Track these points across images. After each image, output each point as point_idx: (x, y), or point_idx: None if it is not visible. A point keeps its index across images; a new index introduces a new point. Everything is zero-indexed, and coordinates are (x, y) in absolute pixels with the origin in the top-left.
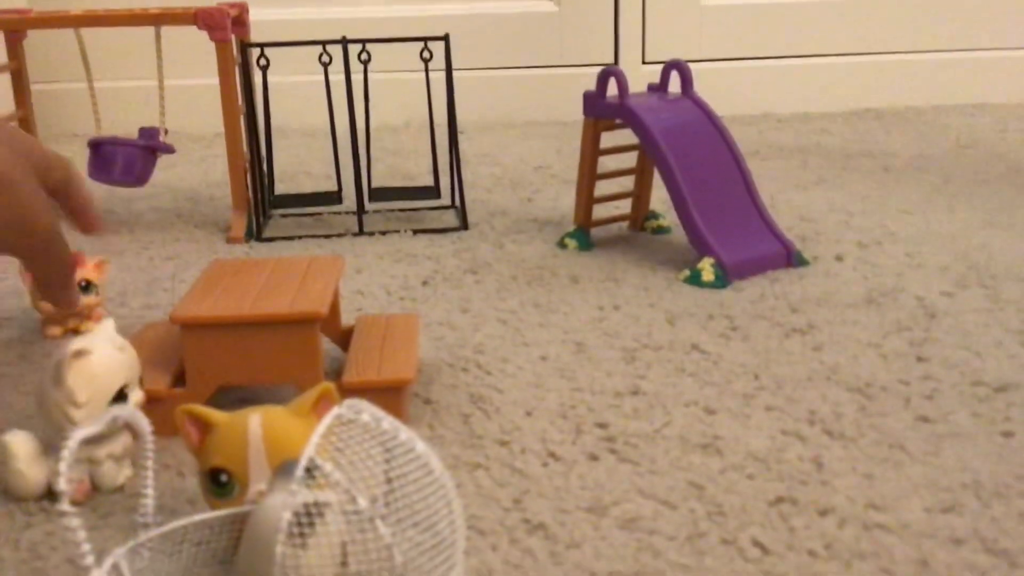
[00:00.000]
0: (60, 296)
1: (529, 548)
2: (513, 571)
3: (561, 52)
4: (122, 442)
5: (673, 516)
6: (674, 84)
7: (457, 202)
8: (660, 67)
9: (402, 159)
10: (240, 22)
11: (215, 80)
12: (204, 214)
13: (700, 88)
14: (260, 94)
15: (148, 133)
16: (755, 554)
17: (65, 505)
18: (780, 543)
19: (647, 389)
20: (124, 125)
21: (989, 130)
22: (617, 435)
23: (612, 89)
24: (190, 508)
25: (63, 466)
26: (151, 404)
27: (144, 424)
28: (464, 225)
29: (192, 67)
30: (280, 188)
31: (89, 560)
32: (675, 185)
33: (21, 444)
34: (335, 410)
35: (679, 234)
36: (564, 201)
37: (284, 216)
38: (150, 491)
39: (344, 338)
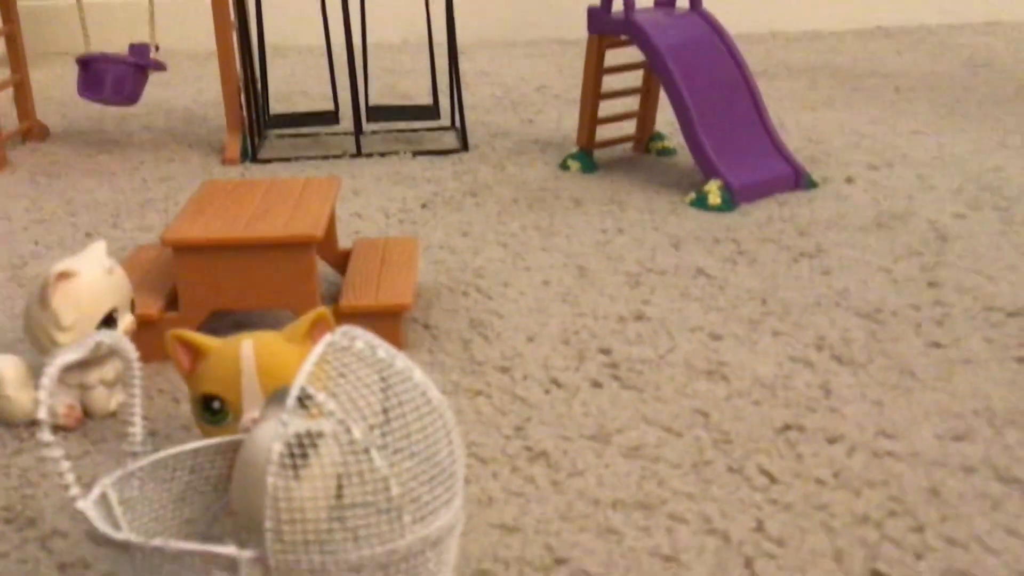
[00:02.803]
0: None
1: (531, 476)
2: (514, 499)
3: None
4: (113, 367)
5: (678, 444)
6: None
7: (457, 123)
8: None
9: (400, 78)
10: None
11: None
12: (198, 134)
13: (708, 4)
14: (253, 10)
15: (138, 50)
16: (762, 482)
17: (46, 435)
18: (787, 471)
19: (651, 314)
20: (114, 42)
21: (1002, 49)
22: (621, 361)
23: (618, 4)
24: (184, 434)
25: (43, 393)
26: (143, 328)
27: (130, 349)
28: (464, 146)
29: None
30: (276, 108)
31: (74, 491)
32: (682, 105)
33: (9, 368)
34: (328, 337)
35: (685, 156)
36: (567, 122)
37: (280, 136)
38: (138, 419)
39: (341, 262)
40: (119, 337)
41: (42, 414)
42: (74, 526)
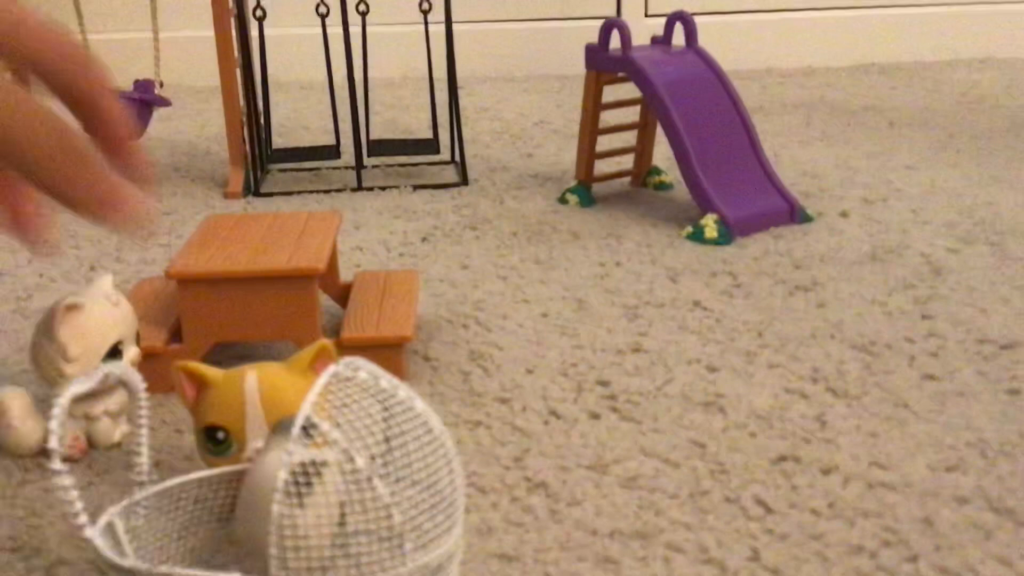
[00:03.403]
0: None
1: (530, 506)
2: (514, 529)
3: (563, 4)
4: (118, 399)
5: (675, 474)
6: (678, 37)
7: (457, 157)
8: (664, 19)
9: (401, 113)
10: None
11: (211, 32)
12: (201, 168)
13: (703, 41)
14: (256, 46)
15: (143, 86)
16: (758, 512)
17: (57, 464)
18: (783, 501)
19: (649, 346)
20: (119, 77)
21: (995, 85)
22: (619, 393)
23: (615, 42)
24: (188, 465)
25: (54, 424)
26: (147, 360)
27: (137, 381)
28: (464, 180)
29: (187, 18)
30: (278, 142)
31: (82, 519)
32: (678, 140)
33: (15, 400)
34: (332, 368)
35: (682, 190)
36: (565, 156)
37: (282, 171)
38: (144, 449)
39: (342, 294)
40: (127, 368)
41: (54, 443)
42: (79, 555)
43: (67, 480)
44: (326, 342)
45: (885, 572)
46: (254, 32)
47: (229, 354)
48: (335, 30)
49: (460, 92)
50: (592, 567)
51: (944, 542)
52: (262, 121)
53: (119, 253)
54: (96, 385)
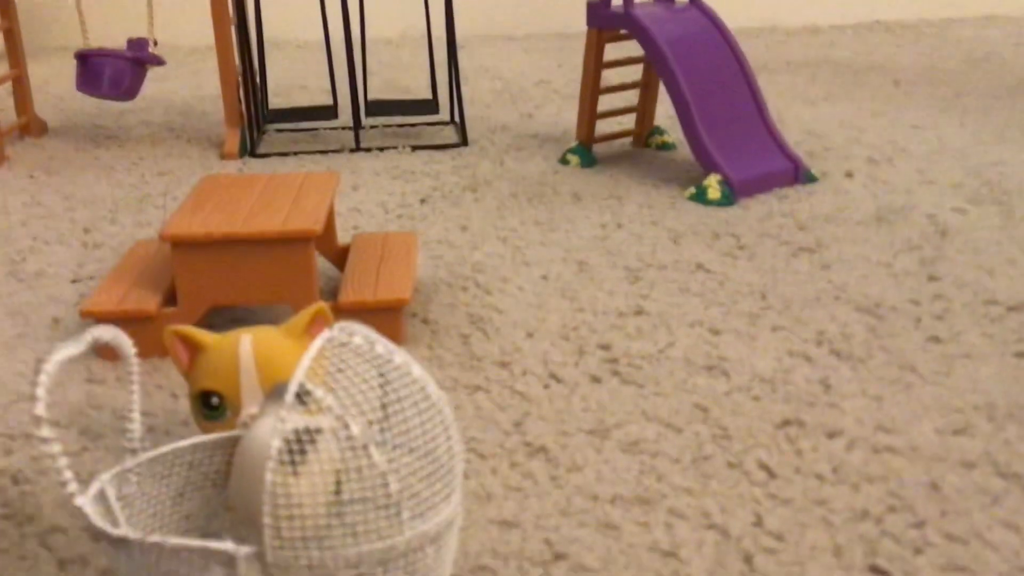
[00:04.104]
0: None
1: (530, 471)
2: (513, 494)
3: None
4: None
5: (677, 439)
6: None
7: (456, 117)
8: None
9: (399, 72)
10: None
11: None
12: (197, 129)
13: None
14: (252, 4)
15: (137, 45)
16: (761, 477)
17: (45, 431)
18: (787, 466)
19: (651, 309)
20: (112, 37)
21: (1002, 43)
22: (620, 356)
23: None
24: (184, 430)
25: (41, 390)
26: (141, 324)
27: (127, 345)
28: (463, 141)
29: None
30: (274, 102)
31: (72, 487)
32: (681, 100)
33: None
34: (326, 333)
35: (684, 150)
36: (566, 116)
37: (279, 131)
38: (136, 415)
39: (340, 257)
40: (116, 333)
41: (40, 410)
42: (73, 522)
43: (55, 447)
44: (322, 305)
45: (891, 538)
46: None
47: (225, 318)
48: None
49: (459, 51)
50: (593, 533)
51: (951, 507)
52: (258, 81)
53: (113, 215)
54: (84, 349)
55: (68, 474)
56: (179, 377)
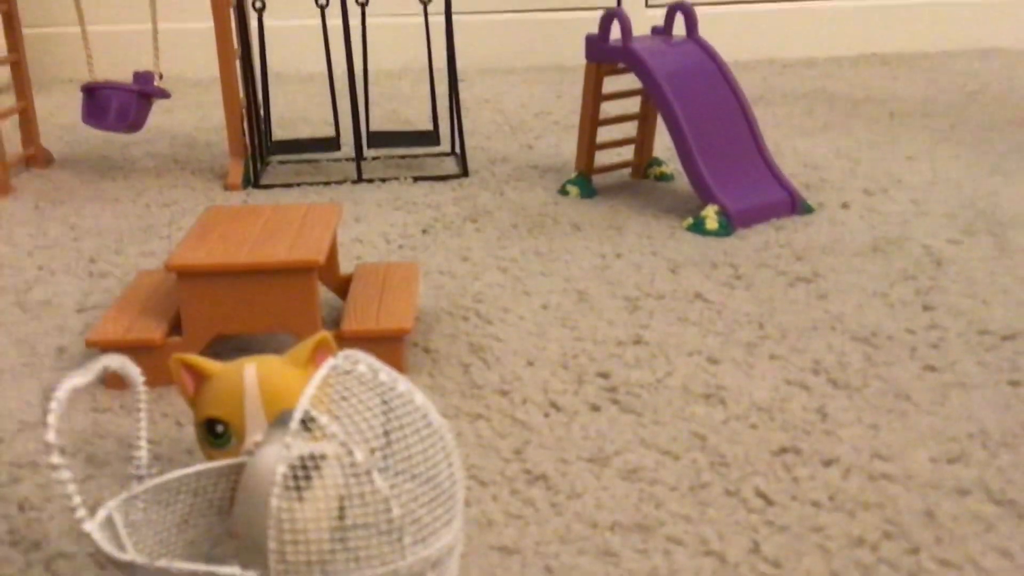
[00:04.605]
0: None
1: (530, 498)
2: (514, 521)
3: None
4: None
5: (675, 466)
6: (679, 27)
7: (457, 149)
8: (664, 9)
9: (401, 105)
10: None
11: (210, 23)
12: (201, 160)
13: (704, 31)
14: (256, 38)
15: (143, 78)
16: (758, 504)
17: (55, 457)
18: (783, 493)
19: (649, 338)
20: (118, 70)
21: (997, 76)
22: (619, 385)
23: (615, 32)
24: (188, 457)
25: (52, 417)
26: (147, 353)
27: (135, 374)
28: (464, 172)
29: (187, 10)
30: (278, 134)
31: (81, 513)
32: (679, 131)
33: None
34: (331, 361)
35: (682, 181)
36: (566, 148)
37: (282, 163)
38: (143, 443)
39: (342, 287)
40: (125, 361)
41: (51, 437)
42: (79, 549)
43: (66, 474)
44: (326, 334)
45: (886, 564)
46: (253, 24)
47: (229, 346)
48: (335, 22)
49: (460, 84)
50: (592, 560)
51: (945, 534)
52: (262, 113)
53: (119, 245)
54: (93, 378)
55: (77, 500)
56: (183, 405)
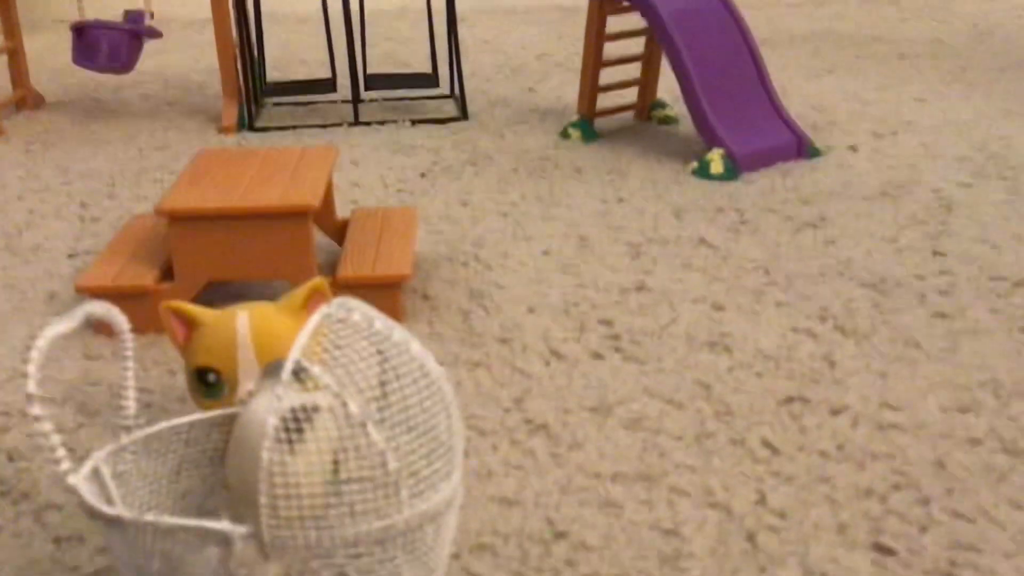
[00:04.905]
0: None
1: (530, 449)
2: (514, 472)
3: None
4: None
5: (680, 416)
6: None
7: (456, 91)
8: None
9: (398, 46)
10: None
11: None
12: (194, 103)
13: None
14: None
15: (134, 17)
16: (764, 454)
17: (36, 408)
18: (790, 443)
19: (653, 285)
20: (109, 9)
21: (1008, 16)
22: (622, 332)
23: None
24: (181, 406)
25: (32, 367)
26: (138, 299)
27: (121, 321)
28: (463, 115)
29: None
30: (273, 76)
31: (65, 465)
32: (684, 72)
33: None
34: (323, 309)
35: (687, 124)
36: (567, 90)
37: (277, 105)
38: (130, 392)
39: (339, 232)
40: (109, 308)
41: (31, 388)
42: (68, 499)
43: (47, 425)
44: (320, 281)
45: (896, 515)
46: None
47: (223, 293)
48: None
49: (460, 24)
50: (595, 511)
51: (956, 485)
52: (256, 54)
53: (111, 189)
54: (76, 325)
55: (61, 452)
56: (176, 353)
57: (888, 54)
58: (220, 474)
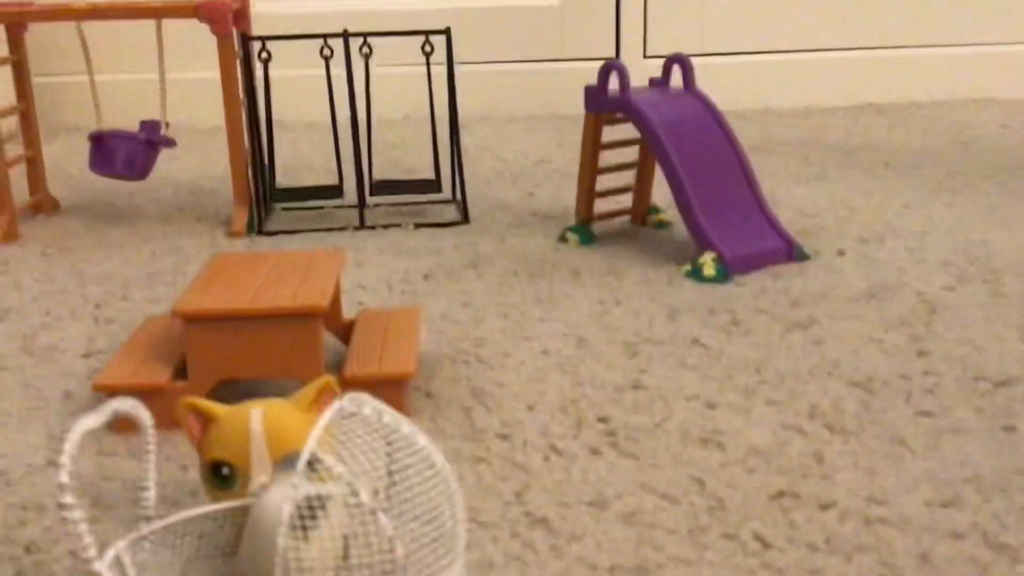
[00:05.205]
0: None
1: (530, 541)
2: (514, 564)
3: (563, 46)
4: None
5: (674, 510)
6: (676, 78)
7: (458, 196)
8: (662, 61)
9: (403, 152)
10: (242, 15)
11: (216, 73)
12: (206, 207)
13: (701, 82)
14: (261, 87)
15: (149, 126)
16: (756, 548)
17: (67, 497)
18: (781, 537)
19: (648, 383)
20: (125, 118)
21: (991, 125)
22: (618, 429)
23: (614, 83)
24: (192, 500)
25: (65, 457)
26: (153, 397)
27: (145, 416)
28: (465, 219)
29: (193, 60)
30: (282, 182)
31: (92, 552)
32: (676, 179)
33: None
34: (337, 403)
35: (680, 229)
36: (566, 195)
37: (286, 210)
38: (151, 484)
39: (345, 332)
40: (135, 404)
41: (63, 477)
42: None
43: (77, 513)
44: (329, 378)
45: None
46: (259, 73)
47: (234, 391)
48: (339, 71)
49: (462, 131)
50: None
51: None
52: (266, 160)
53: (124, 292)
54: (105, 420)
55: (89, 539)
56: (188, 448)
57: (875, 161)
58: (230, 566)
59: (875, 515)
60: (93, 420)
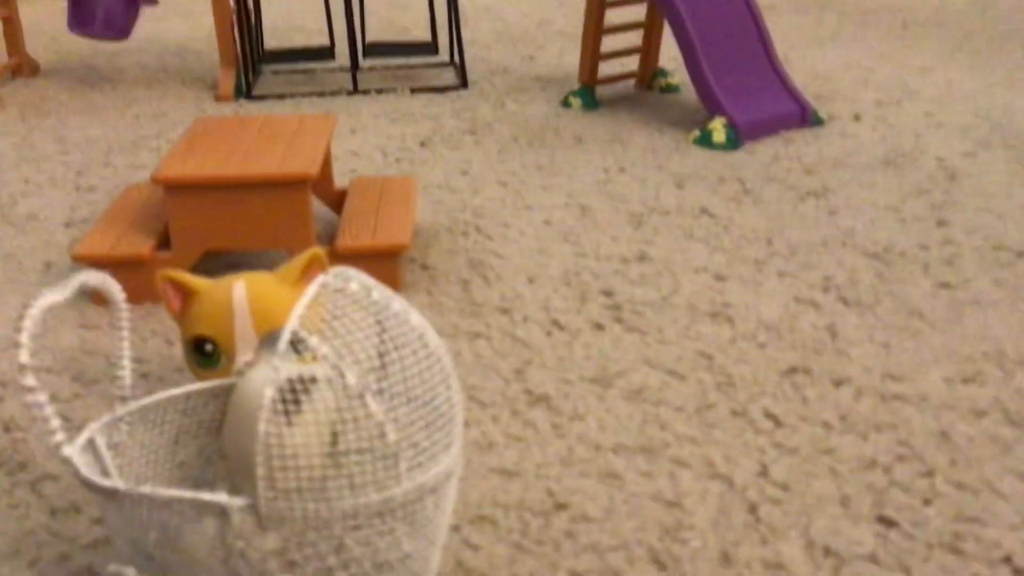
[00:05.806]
0: None
1: (531, 420)
2: (515, 443)
3: None
4: None
5: (681, 387)
6: None
7: (456, 59)
8: None
9: (397, 12)
10: None
11: None
12: (191, 70)
13: None
14: None
15: None
16: (767, 426)
17: (29, 379)
18: (793, 414)
19: (654, 255)
20: None
21: None
22: (623, 303)
23: None
24: (178, 376)
25: (25, 336)
26: (135, 268)
27: (116, 291)
28: (463, 83)
29: None
30: (270, 43)
31: (59, 437)
32: (687, 40)
33: None
34: (321, 278)
35: (689, 93)
36: (568, 58)
37: (275, 73)
38: (127, 363)
39: (337, 201)
40: (104, 278)
41: (24, 358)
42: (65, 470)
43: (41, 396)
44: (318, 251)
45: (899, 487)
46: None
47: (220, 263)
48: None
49: None
50: (595, 482)
51: (960, 456)
52: (253, 21)
53: (107, 158)
54: (70, 295)
55: (55, 423)
56: (174, 323)
57: (892, 22)
58: (217, 445)
59: (892, 392)
60: (56, 295)
